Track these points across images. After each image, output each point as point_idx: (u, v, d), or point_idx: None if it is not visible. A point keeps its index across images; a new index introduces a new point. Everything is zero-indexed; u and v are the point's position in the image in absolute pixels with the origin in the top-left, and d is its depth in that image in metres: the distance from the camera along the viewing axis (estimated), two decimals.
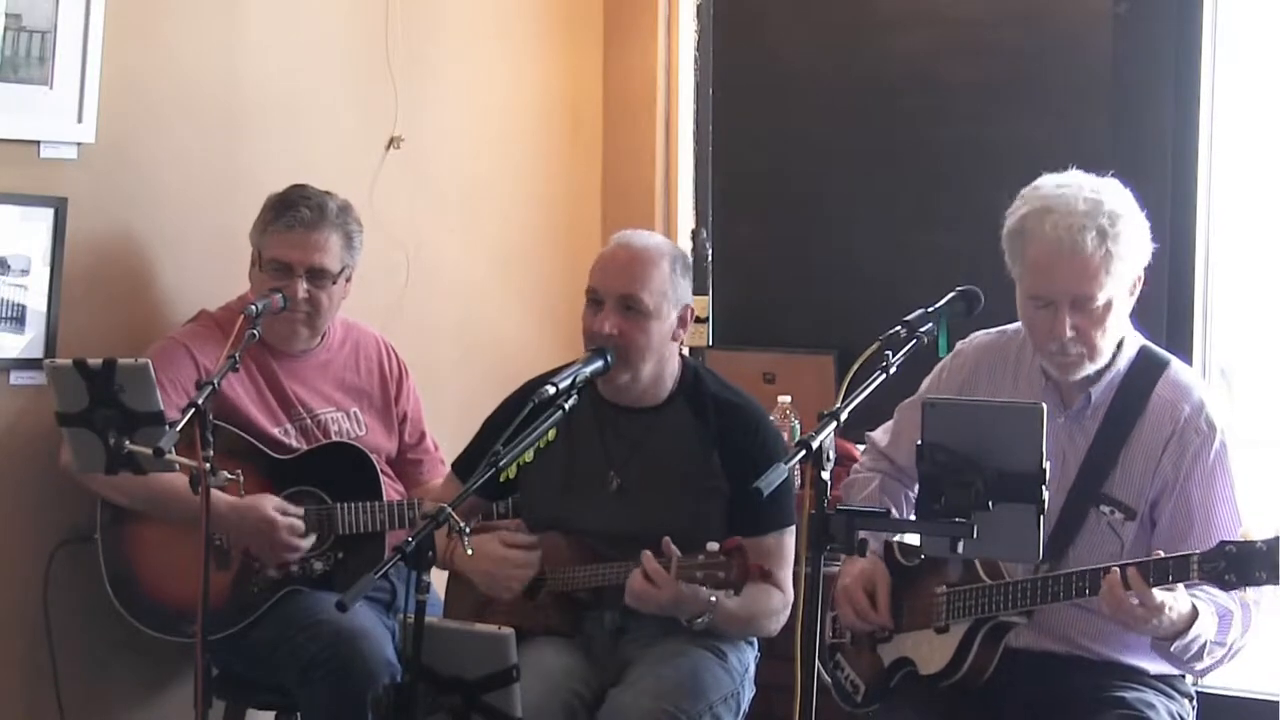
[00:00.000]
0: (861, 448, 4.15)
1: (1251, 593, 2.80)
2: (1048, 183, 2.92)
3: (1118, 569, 2.69)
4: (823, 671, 2.61)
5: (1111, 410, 2.93)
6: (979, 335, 3.14)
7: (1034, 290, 2.88)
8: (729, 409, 3.24)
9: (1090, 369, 2.91)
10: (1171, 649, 2.73)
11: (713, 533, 3.03)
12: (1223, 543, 2.64)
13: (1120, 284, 2.85)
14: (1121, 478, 2.90)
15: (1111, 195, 2.88)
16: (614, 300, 3.13)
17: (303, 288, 3.50)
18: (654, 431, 3.23)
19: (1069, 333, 2.84)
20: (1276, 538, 2.58)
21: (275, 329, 3.52)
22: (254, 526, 3.38)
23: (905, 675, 3.04)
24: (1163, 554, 2.69)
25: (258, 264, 3.54)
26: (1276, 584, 2.61)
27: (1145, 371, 2.94)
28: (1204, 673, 2.90)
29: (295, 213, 3.49)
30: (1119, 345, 2.95)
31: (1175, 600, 2.66)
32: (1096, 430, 2.93)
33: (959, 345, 3.10)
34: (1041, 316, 2.88)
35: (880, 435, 3.27)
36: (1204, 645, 2.73)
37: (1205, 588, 2.74)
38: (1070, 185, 2.89)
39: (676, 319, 3.20)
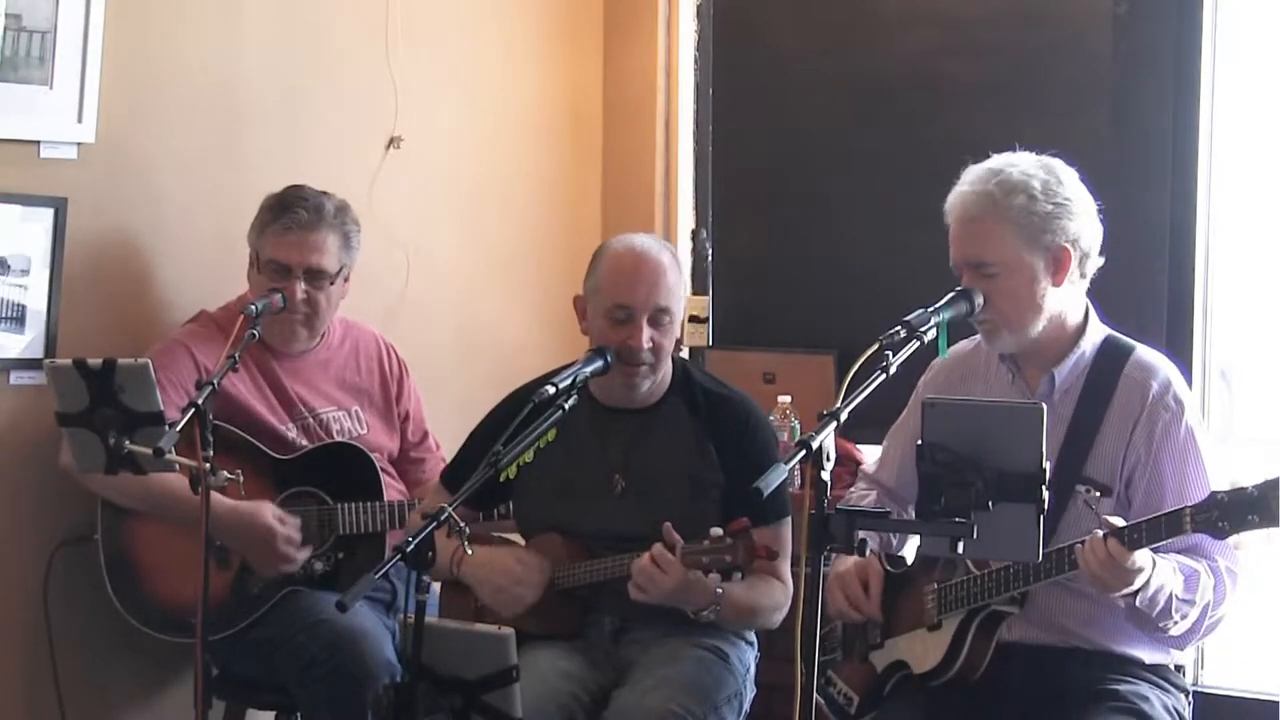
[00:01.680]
0: (863, 448, 4.18)
1: (1224, 560, 2.81)
2: (986, 161, 2.98)
3: (1099, 531, 2.68)
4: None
5: (1083, 394, 2.95)
6: (955, 345, 3.16)
7: (950, 260, 2.98)
8: (720, 402, 3.26)
9: (1012, 340, 2.94)
10: (1138, 604, 2.71)
11: (717, 525, 3.03)
12: (1214, 492, 2.65)
13: (1026, 254, 2.88)
14: (1096, 457, 2.91)
15: (1023, 168, 2.92)
16: (648, 315, 3.13)
17: (301, 289, 3.50)
18: (653, 431, 3.24)
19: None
20: (1268, 481, 2.57)
21: (274, 330, 3.52)
22: (252, 534, 3.38)
23: (899, 680, 3.04)
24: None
25: (256, 265, 3.54)
26: (1272, 526, 2.58)
27: (1112, 356, 2.97)
28: (1183, 642, 2.87)
29: (292, 214, 3.49)
30: (1082, 331, 2.97)
31: (1138, 556, 2.65)
32: (1071, 415, 2.95)
33: (934, 361, 3.12)
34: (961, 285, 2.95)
35: (870, 466, 3.33)
36: (1169, 599, 2.72)
37: (1172, 556, 2.75)
38: (991, 160, 2.97)
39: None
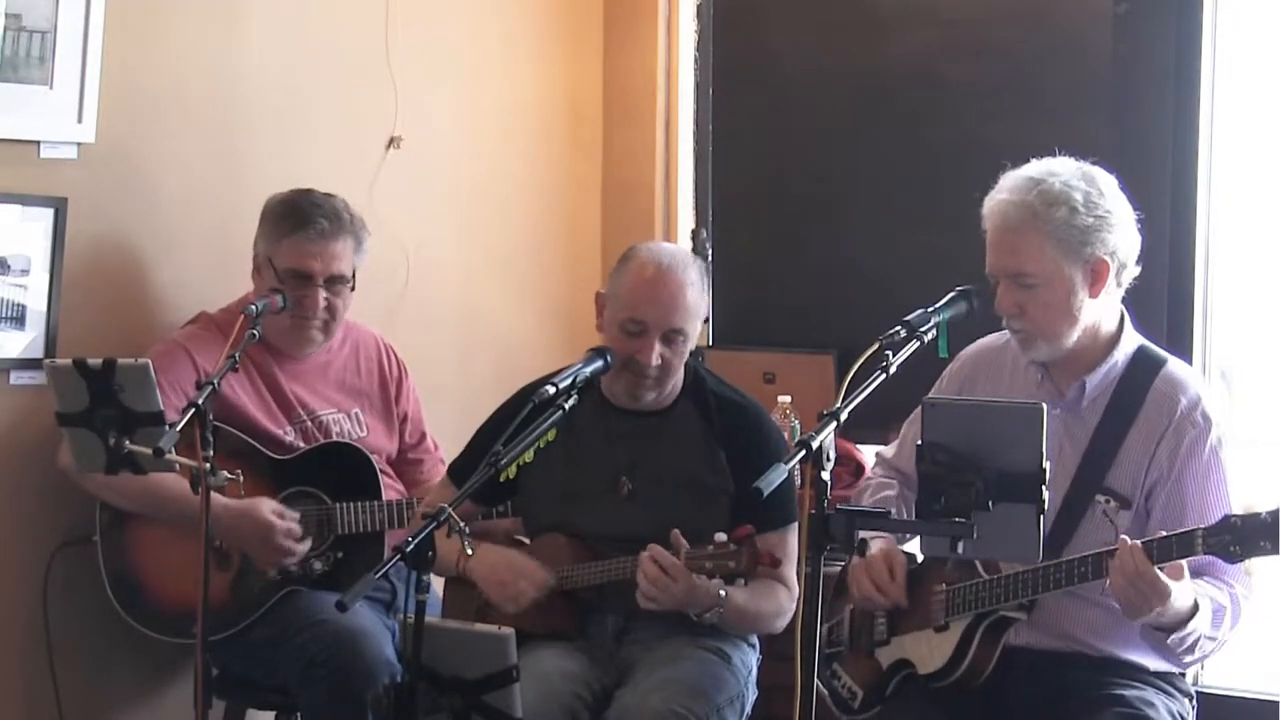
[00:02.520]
0: (863, 448, 4.17)
1: (1240, 587, 2.82)
2: (1026, 167, 2.95)
3: (1127, 539, 2.67)
4: (819, 682, 2.62)
5: (1111, 404, 2.94)
6: (981, 340, 3.15)
7: (987, 268, 2.95)
8: (732, 407, 3.25)
9: (1046, 349, 2.93)
10: (1169, 640, 2.73)
11: (723, 532, 3.02)
12: (1227, 516, 2.64)
13: (1065, 266, 2.86)
14: (1119, 469, 2.90)
15: (1066, 178, 2.89)
16: (661, 333, 3.12)
17: (322, 296, 3.50)
18: (663, 435, 3.23)
19: (1012, 308, 2.90)
20: None
21: (288, 334, 3.52)
22: (251, 530, 3.37)
23: (903, 678, 3.04)
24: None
25: (271, 272, 3.49)
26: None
27: (1143, 368, 2.96)
28: (1187, 664, 2.90)
29: (314, 224, 3.47)
30: (1116, 341, 2.96)
31: (1181, 591, 2.65)
32: (1096, 424, 2.94)
33: (962, 352, 3.11)
34: (998, 293, 2.93)
35: (887, 450, 3.30)
36: (1198, 640, 2.74)
37: (1201, 582, 2.75)
38: (1032, 167, 2.94)
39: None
